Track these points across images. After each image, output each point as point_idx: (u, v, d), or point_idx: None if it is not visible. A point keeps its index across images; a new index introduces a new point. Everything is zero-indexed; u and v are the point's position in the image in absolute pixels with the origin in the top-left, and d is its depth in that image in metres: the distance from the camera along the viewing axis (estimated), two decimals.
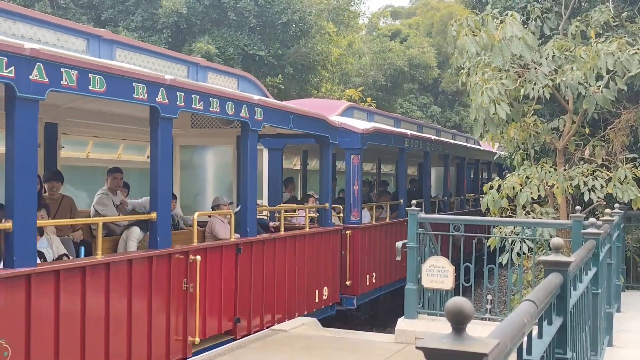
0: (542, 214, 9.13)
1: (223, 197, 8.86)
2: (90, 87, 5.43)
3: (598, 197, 8.71)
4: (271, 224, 9.78)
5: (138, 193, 8.90)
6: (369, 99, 26.20)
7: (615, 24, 9.33)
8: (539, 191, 8.85)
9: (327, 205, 9.94)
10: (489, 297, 7.99)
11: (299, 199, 12.34)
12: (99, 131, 9.30)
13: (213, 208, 8.51)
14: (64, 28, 6.76)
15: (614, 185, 8.69)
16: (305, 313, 9.13)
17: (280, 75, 22.03)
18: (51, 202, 6.78)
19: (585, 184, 8.74)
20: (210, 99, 7.00)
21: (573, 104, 9.26)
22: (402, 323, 7.53)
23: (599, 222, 5.66)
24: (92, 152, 10.25)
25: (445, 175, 16.37)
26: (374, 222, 11.65)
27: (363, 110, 14.35)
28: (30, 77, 4.91)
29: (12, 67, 4.76)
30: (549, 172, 8.98)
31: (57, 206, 6.99)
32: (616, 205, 8.37)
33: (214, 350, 6.89)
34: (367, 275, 11.21)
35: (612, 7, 9.38)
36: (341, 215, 11.12)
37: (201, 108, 6.88)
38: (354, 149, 10.93)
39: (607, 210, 7.39)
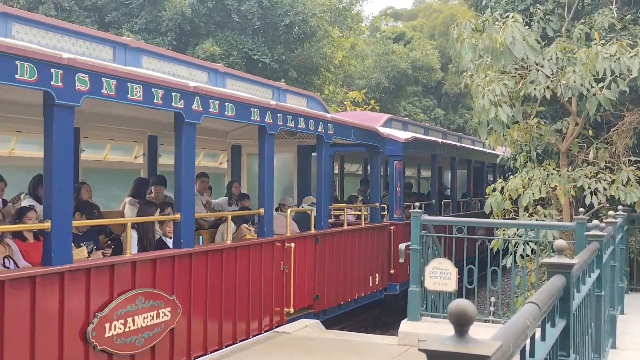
0: (545, 216, 9.12)
1: (289, 198, 10.53)
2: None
3: (601, 200, 8.70)
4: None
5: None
6: (372, 102, 26.22)
7: (618, 26, 9.32)
8: (541, 193, 8.85)
9: (377, 204, 11.45)
10: (492, 299, 7.98)
11: (338, 199, 14.44)
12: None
13: (278, 206, 9.69)
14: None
15: (617, 187, 8.68)
16: (363, 295, 10.76)
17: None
18: (154, 202, 7.81)
19: (588, 186, 8.74)
20: (299, 117, 8.80)
21: (576, 106, 9.26)
22: (405, 325, 7.53)
23: (602, 224, 5.65)
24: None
25: (468, 177, 18.26)
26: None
27: (399, 121, 16.67)
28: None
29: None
30: (552, 174, 8.97)
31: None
32: (619, 207, 8.36)
33: (218, 352, 6.93)
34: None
35: (615, 9, 9.39)
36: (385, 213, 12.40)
37: (293, 125, 8.65)
38: (397, 156, 12.54)
39: (611, 213, 7.37)
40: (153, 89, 6.06)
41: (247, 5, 21.12)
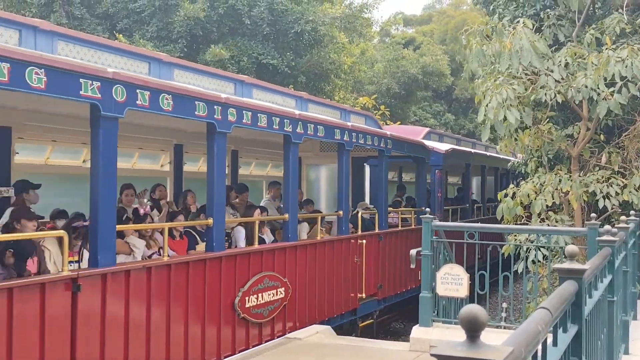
0: (557, 222, 9.08)
1: (365, 202, 12.30)
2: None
3: (613, 205, 8.66)
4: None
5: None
6: (382, 107, 26.20)
7: (629, 30, 9.30)
8: (553, 198, 8.82)
9: (423, 208, 12.49)
10: (504, 305, 7.95)
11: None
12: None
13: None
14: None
15: (630, 192, 8.65)
16: (414, 286, 12.04)
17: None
18: (239, 206, 9.25)
19: (600, 190, 8.70)
20: (367, 135, 10.61)
21: (587, 111, 9.24)
22: (416, 331, 7.52)
23: (614, 230, 5.63)
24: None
25: (496, 183, 20.24)
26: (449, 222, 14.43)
27: (436, 134, 18.83)
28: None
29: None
30: (564, 179, 8.95)
31: (243, 209, 9.12)
32: (632, 212, 8.31)
33: (230, 358, 6.95)
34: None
35: (626, 13, 9.36)
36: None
37: (363, 142, 10.38)
38: (438, 165, 14.29)
39: (623, 218, 7.33)
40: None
41: (257, 10, 21.16)
